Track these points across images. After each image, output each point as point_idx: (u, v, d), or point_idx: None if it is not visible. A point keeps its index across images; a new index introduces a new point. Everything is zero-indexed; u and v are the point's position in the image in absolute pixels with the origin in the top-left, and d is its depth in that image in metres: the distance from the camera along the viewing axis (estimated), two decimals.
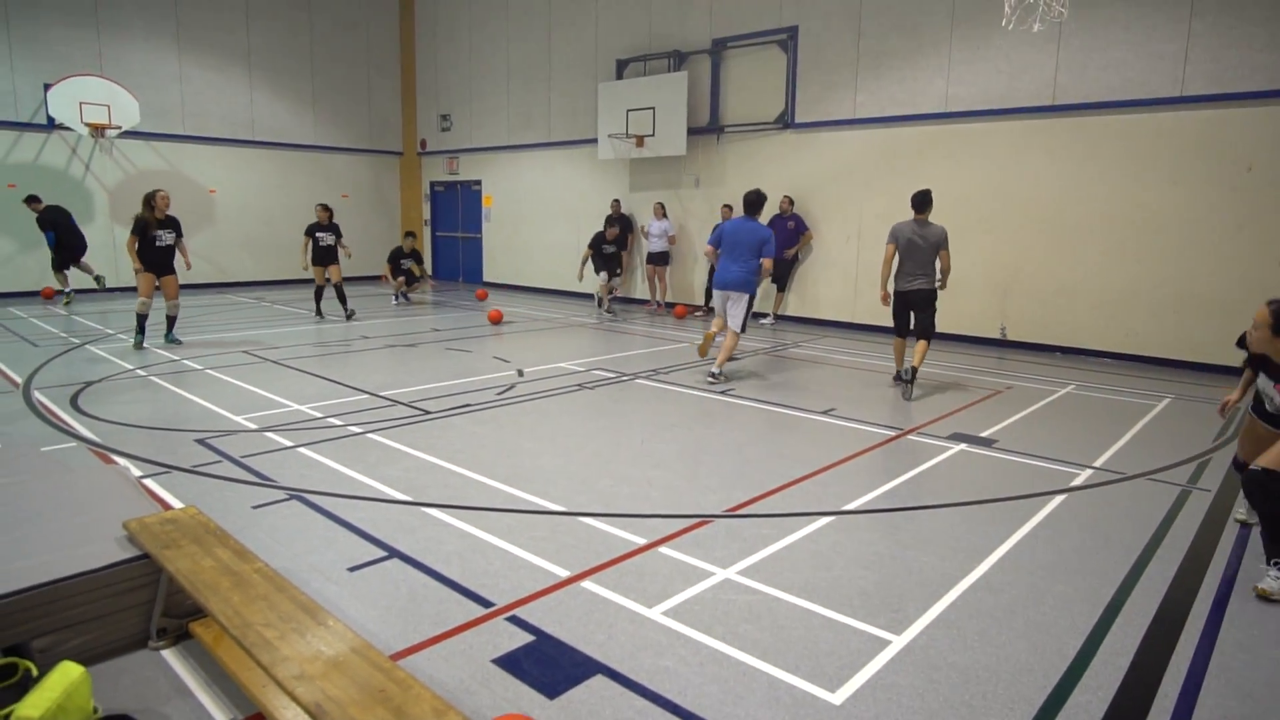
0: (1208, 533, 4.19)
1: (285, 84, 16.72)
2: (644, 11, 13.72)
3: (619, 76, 14.01)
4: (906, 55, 10.70)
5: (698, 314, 13.23)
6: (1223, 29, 8.41)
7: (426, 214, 19.21)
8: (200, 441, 5.47)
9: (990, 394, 7.52)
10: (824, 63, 11.53)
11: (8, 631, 2.63)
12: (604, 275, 13.10)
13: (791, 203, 11.93)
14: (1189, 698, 2.70)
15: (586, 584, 3.44)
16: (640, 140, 13.31)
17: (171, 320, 9.42)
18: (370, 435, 5.70)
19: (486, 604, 3.25)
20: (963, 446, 5.72)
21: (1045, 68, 9.57)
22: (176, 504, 4.25)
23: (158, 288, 9.09)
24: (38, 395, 6.73)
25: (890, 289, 7.64)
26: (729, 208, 12.56)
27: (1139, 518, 4.38)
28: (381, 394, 6.99)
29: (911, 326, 7.62)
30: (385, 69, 18.42)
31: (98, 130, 13.62)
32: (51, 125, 13.65)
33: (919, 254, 7.31)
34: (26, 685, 2.34)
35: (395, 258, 13.92)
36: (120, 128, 13.86)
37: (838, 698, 2.65)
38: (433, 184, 18.90)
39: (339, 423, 6.04)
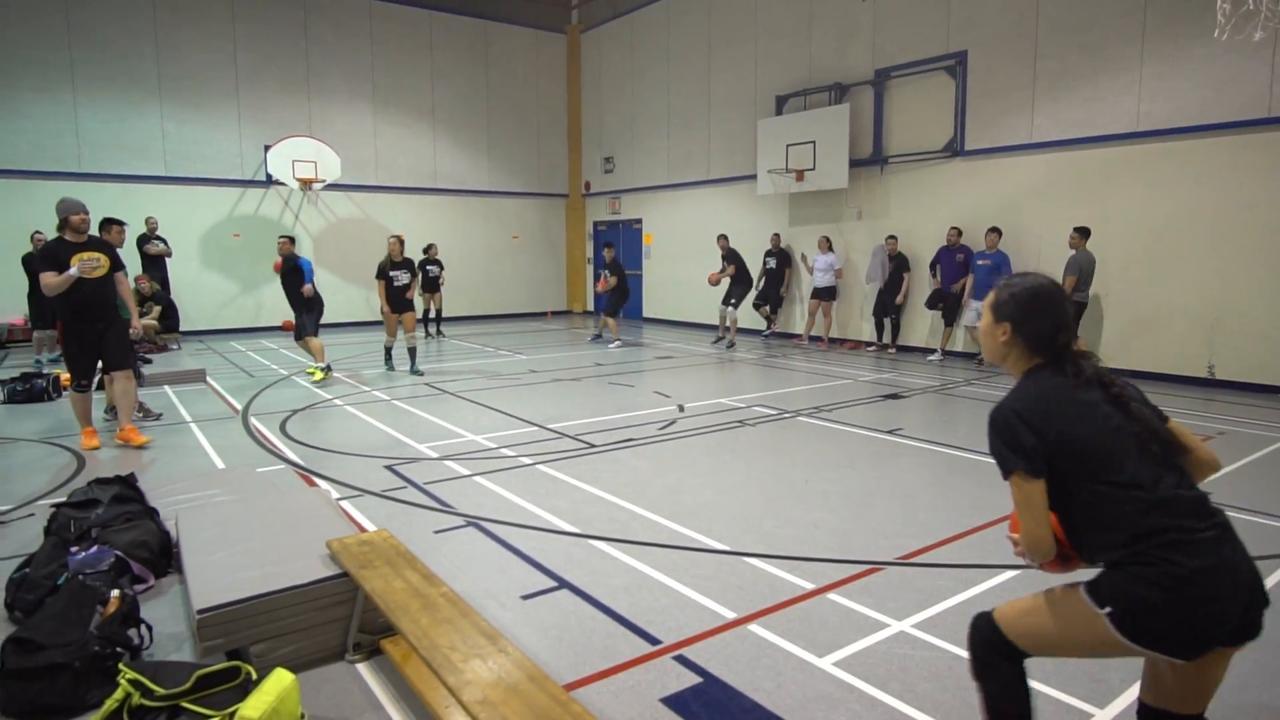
0: None
1: (464, 136, 18.05)
2: (804, 47, 13.70)
3: (778, 112, 14.02)
4: (1088, 74, 10.00)
5: (868, 348, 12.84)
6: None
7: (589, 253, 19.95)
8: (389, 468, 5.91)
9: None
10: (995, 87, 11.00)
11: (235, 636, 2.93)
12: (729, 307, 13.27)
13: (960, 234, 11.36)
14: None
15: (753, 627, 3.38)
16: (800, 174, 13.21)
17: (413, 352, 10.42)
18: (540, 466, 5.93)
19: (654, 641, 3.26)
20: None
21: (1258, 76, 8.62)
22: (370, 526, 4.60)
23: (400, 324, 10.23)
24: (254, 421, 7.54)
25: None
26: (894, 239, 12.19)
27: None
28: (549, 426, 7.27)
29: None
30: (553, 117, 19.46)
31: (306, 184, 15.26)
32: (269, 181, 15.45)
33: None
34: (247, 688, 2.59)
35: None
36: (325, 181, 15.47)
37: None
38: (596, 224, 19.63)
39: (511, 453, 6.33)
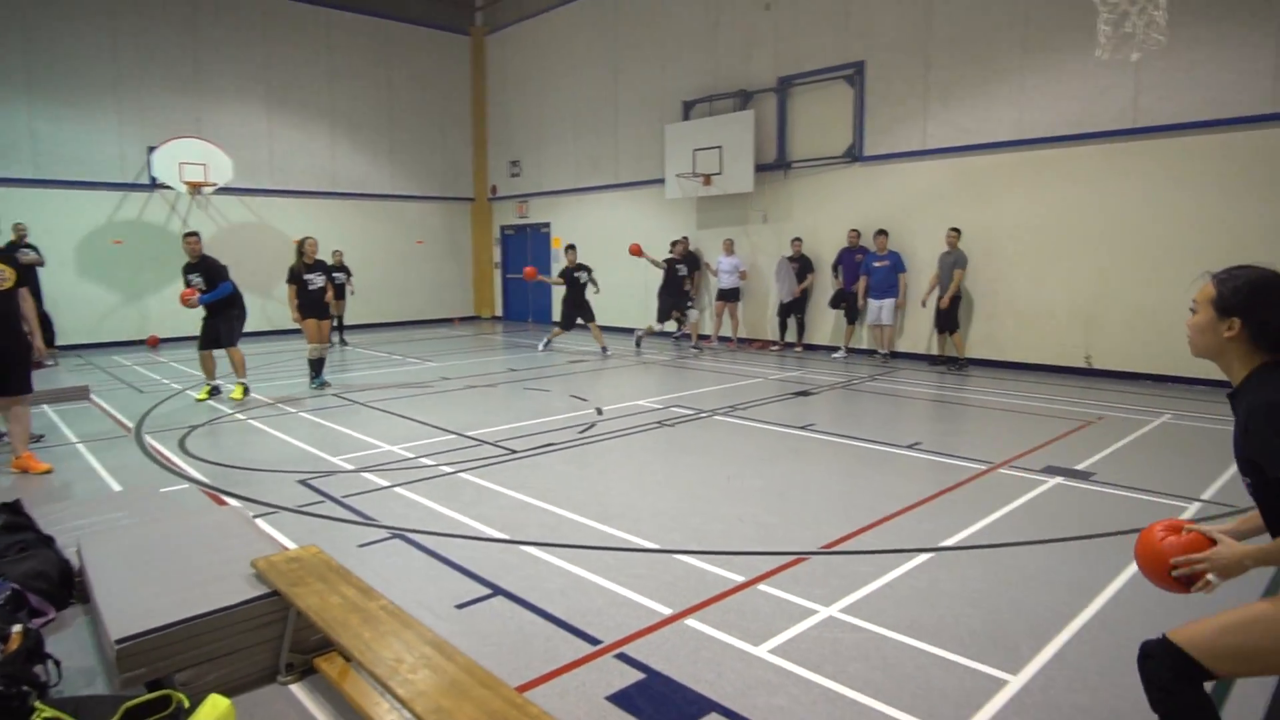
0: None
1: (365, 138, 17.54)
2: (709, 54, 13.99)
3: (685, 117, 14.27)
4: (977, 84, 10.64)
5: (773, 347, 13.21)
6: None
7: (497, 257, 19.74)
8: (303, 482, 5.71)
9: (1081, 425, 7.29)
10: (892, 95, 11.54)
11: (156, 665, 2.80)
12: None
13: (859, 236, 11.86)
14: None
15: (690, 621, 3.46)
16: (707, 179, 13.49)
17: (320, 362, 9.73)
18: (462, 474, 5.86)
19: (594, 641, 3.30)
20: (1058, 480, 5.56)
21: (1125, 90, 9.38)
22: (289, 543, 4.44)
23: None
24: (149, 439, 7.13)
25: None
26: (799, 240, 12.60)
27: None
28: (468, 434, 7.18)
29: None
30: (457, 119, 19.17)
31: (195, 188, 14.50)
32: (154, 185, 14.59)
33: None
34: (180, 717, 2.48)
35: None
36: (215, 185, 14.73)
37: None
38: (503, 228, 19.45)
39: (430, 463, 6.22)
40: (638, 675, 3.02)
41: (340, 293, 14.24)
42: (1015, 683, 2.94)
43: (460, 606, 3.66)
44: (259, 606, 3.04)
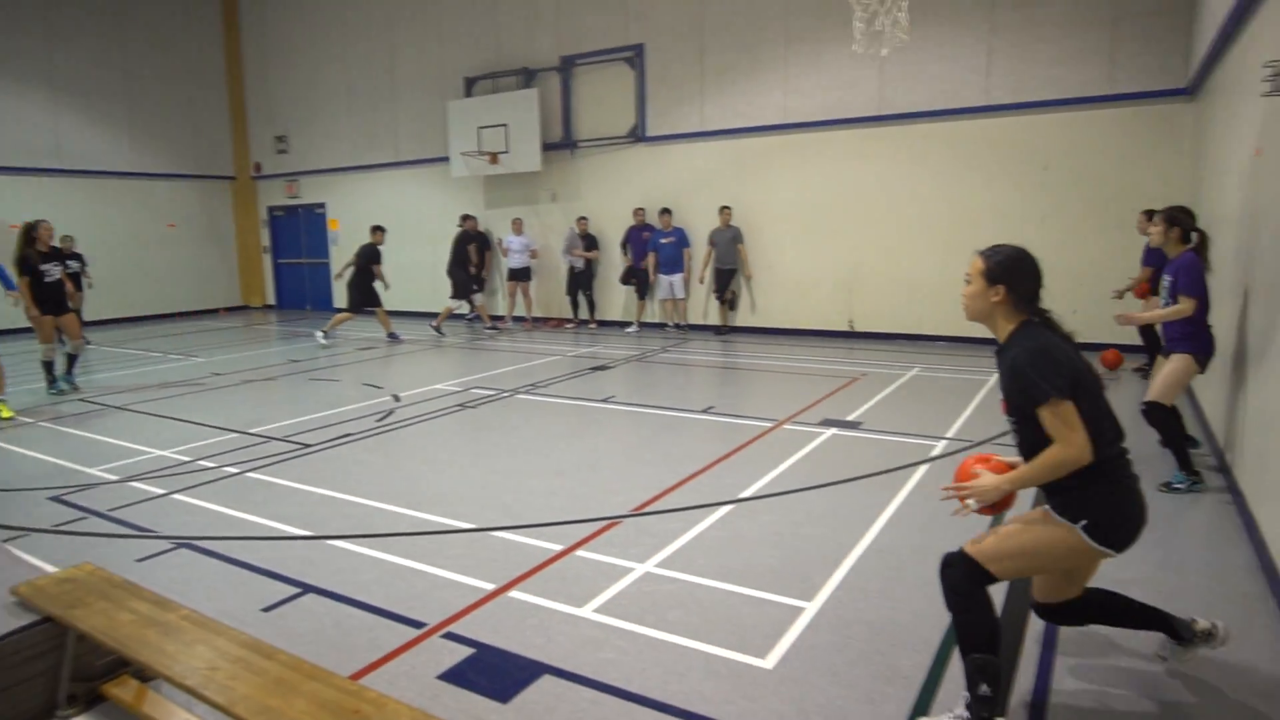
0: None
1: (96, 107, 15.38)
2: (490, 30, 13.75)
3: (468, 94, 13.96)
4: (747, 71, 11.37)
5: (568, 325, 13.38)
6: (1017, 46, 9.57)
7: (266, 241, 18.21)
8: (56, 499, 5.03)
9: (848, 381, 8.15)
10: (670, 78, 12.03)
11: None
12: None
13: (645, 214, 12.31)
14: None
15: (514, 594, 3.52)
16: (494, 157, 13.32)
17: (73, 359, 8.72)
18: (250, 474, 5.45)
19: (418, 625, 3.26)
20: (834, 431, 6.21)
21: (872, 81, 10.48)
22: (47, 567, 3.92)
23: (60, 329, 8.50)
24: None
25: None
26: (585, 219, 12.83)
27: None
28: (251, 431, 6.66)
29: None
30: (210, 88, 17.32)
31: None
32: None
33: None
34: None
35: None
36: None
37: (769, 662, 2.89)
38: (271, 209, 17.95)
39: (211, 464, 5.72)
40: (467, 651, 3.04)
41: (76, 284, 12.55)
42: (811, 608, 3.30)
43: (267, 609, 3.45)
44: (28, 637, 2.68)
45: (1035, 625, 3.12)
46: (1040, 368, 2.35)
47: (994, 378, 8.03)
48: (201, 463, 5.78)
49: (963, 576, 2.47)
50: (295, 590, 3.63)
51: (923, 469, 5.18)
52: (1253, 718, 2.58)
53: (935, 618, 3.19)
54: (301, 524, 4.48)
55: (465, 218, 13.48)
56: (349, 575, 3.77)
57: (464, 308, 13.71)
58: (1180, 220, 4.93)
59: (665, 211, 11.94)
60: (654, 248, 12.09)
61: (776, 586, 3.50)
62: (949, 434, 6.02)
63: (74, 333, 8.57)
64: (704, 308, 12.29)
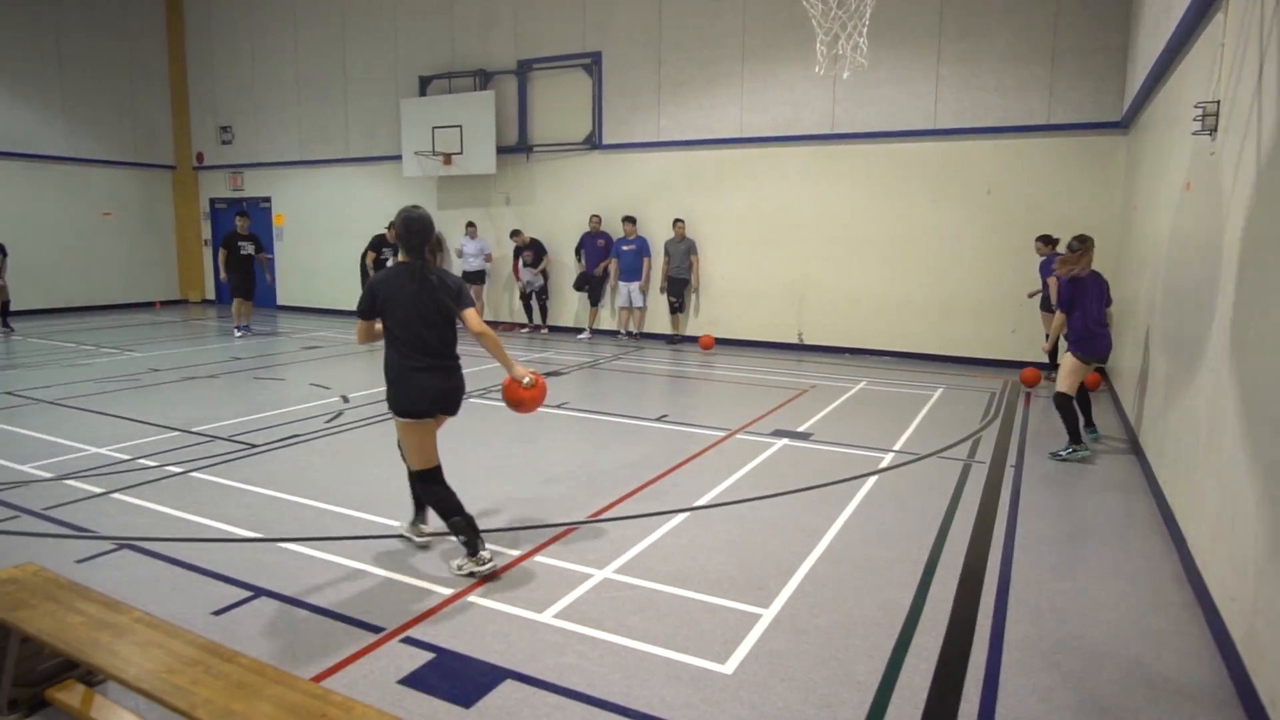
0: (989, 496, 5.01)
1: (27, 88, 14.73)
2: (446, 29, 13.64)
3: (423, 93, 13.81)
4: (704, 84, 11.52)
5: (523, 330, 13.32)
6: (963, 75, 9.92)
7: (206, 233, 17.67)
8: None
9: (798, 393, 8.31)
10: (628, 87, 12.12)
11: None
12: None
13: (600, 220, 12.36)
14: (999, 625, 3.29)
15: (472, 598, 3.51)
16: (448, 158, 13.20)
17: None
18: (194, 474, 5.30)
19: (376, 629, 3.22)
20: (785, 441, 6.33)
21: (824, 100, 10.73)
22: None
23: None
24: None
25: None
26: (519, 233, 12.77)
27: (936, 490, 5.13)
28: (194, 430, 6.47)
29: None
30: (151, 74, 16.74)
31: None
32: None
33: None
34: None
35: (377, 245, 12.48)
36: None
37: (729, 667, 2.95)
38: (213, 200, 17.43)
39: (152, 463, 5.55)
40: (427, 655, 3.02)
41: None
42: (768, 615, 3.38)
43: (218, 613, 3.37)
44: None
45: (981, 635, 3.25)
46: (364, 295, 3.82)
47: (938, 392, 8.31)
48: (142, 461, 5.60)
49: (418, 481, 3.99)
50: (246, 594, 3.55)
51: (871, 480, 5.32)
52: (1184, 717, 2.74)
53: (888, 625, 3.30)
54: (250, 525, 4.38)
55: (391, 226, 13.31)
56: (300, 578, 3.71)
57: None
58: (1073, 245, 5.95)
59: (629, 220, 11.99)
60: (615, 255, 12.14)
61: (734, 593, 3.57)
62: (896, 446, 6.20)
63: None
64: (662, 317, 12.38)
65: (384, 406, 7.67)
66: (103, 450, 5.86)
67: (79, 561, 3.89)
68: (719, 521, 4.52)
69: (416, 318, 3.70)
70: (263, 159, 16.33)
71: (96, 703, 2.62)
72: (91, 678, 2.75)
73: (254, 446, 6.00)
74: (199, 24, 16.79)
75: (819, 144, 10.88)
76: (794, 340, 11.42)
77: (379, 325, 3.79)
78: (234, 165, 16.82)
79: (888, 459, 5.85)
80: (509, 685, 2.83)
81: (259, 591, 3.57)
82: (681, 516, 4.58)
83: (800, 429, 6.73)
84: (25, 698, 2.68)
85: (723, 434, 6.51)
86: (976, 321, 10.17)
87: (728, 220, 11.64)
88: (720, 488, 5.12)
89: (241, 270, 12.12)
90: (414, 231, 3.76)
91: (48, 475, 5.26)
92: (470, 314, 3.84)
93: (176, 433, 6.38)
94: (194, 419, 6.85)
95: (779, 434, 6.54)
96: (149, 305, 16.83)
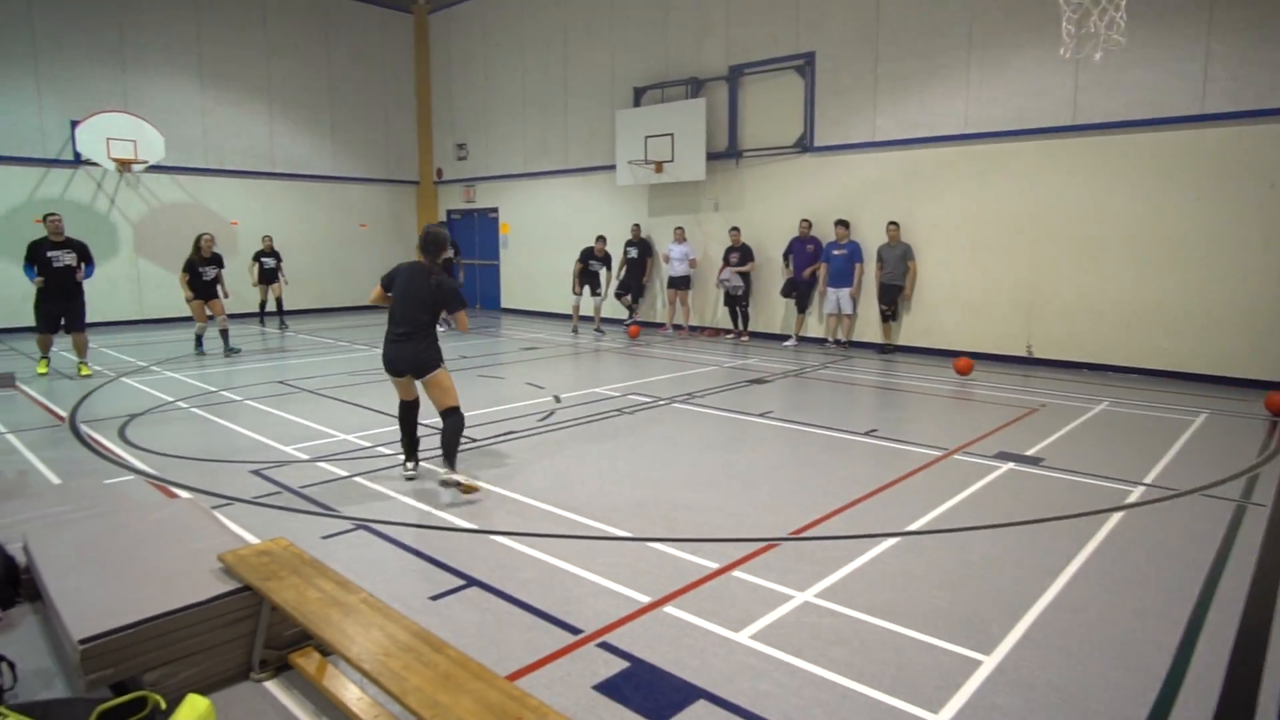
0: (1273, 547, 4.21)
1: (304, 117, 16.98)
2: (660, 41, 13.94)
3: (636, 104, 14.21)
4: (924, 78, 10.85)
5: (727, 335, 13.31)
6: (1242, 48, 8.53)
7: None
8: (256, 473, 5.53)
9: (1026, 412, 7.55)
10: (842, 87, 11.69)
11: (125, 665, 2.68)
12: (586, 291, 13.70)
13: (810, 225, 12.02)
14: None
15: (668, 609, 3.47)
16: (659, 166, 13.47)
17: (225, 334, 11.30)
18: (423, 464, 5.75)
19: (575, 630, 3.28)
20: (1010, 465, 5.75)
21: (1064, 88, 9.69)
22: (248, 536, 4.30)
23: (210, 315, 11.06)
24: (85, 429, 6.80)
25: None
26: (737, 230, 12.72)
27: (1200, 534, 4.40)
28: (425, 423, 7.02)
29: None
30: (401, 100, 18.69)
31: (124, 166, 13.82)
32: (78, 161, 13.86)
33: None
34: (156, 718, 2.38)
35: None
36: (146, 162, 14.07)
37: (942, 717, 2.67)
38: (449, 212, 19.10)
39: (388, 452, 6.09)
40: (622, 664, 3.02)
41: (273, 277, 14.20)
42: (989, 662, 3.03)
43: (435, 598, 3.60)
44: (230, 602, 2.93)
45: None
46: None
47: (1200, 418, 7.20)
48: (380, 449, 6.18)
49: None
50: (460, 582, 3.76)
51: (1116, 517, 4.68)
52: None
53: (1137, 692, 2.85)
54: (468, 516, 4.66)
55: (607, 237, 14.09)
56: (510, 572, 3.87)
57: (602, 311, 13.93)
58: None
59: (841, 223, 11.57)
60: (825, 259, 11.79)
61: (949, 633, 3.25)
62: (1147, 479, 5.42)
63: (218, 310, 11.07)
64: (872, 325, 11.83)
65: (593, 408, 8.00)
66: (349, 437, 6.54)
67: (324, 538, 4.33)
68: (933, 550, 4.16)
69: (408, 299, 5.05)
70: (492, 172, 17.63)
71: (329, 673, 2.87)
72: (326, 649, 3.01)
73: (474, 440, 6.42)
74: (442, 52, 18.46)
75: (1056, 137, 9.85)
76: (1021, 353, 10.43)
77: (389, 295, 5.18)
78: (468, 179, 18.31)
79: (1136, 493, 5.12)
80: (701, 706, 2.75)
81: (472, 581, 3.77)
82: (891, 541, 4.28)
83: (1028, 452, 6.09)
84: (273, 659, 3.00)
85: (938, 453, 6.04)
86: (1251, 337, 8.70)
87: (947, 223, 10.87)
88: (934, 513, 4.73)
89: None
90: (430, 243, 5.14)
91: (304, 457, 5.94)
92: (461, 316, 5.29)
93: None
94: (425, 412, 7.43)
95: (1003, 457, 5.95)
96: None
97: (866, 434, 6.65)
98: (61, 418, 7.26)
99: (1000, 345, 10.60)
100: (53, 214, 9.34)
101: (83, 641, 2.61)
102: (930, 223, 11.01)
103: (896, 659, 3.06)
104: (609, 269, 13.95)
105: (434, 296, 5.05)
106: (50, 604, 3.00)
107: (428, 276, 5.04)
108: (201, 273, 10.82)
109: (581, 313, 13.98)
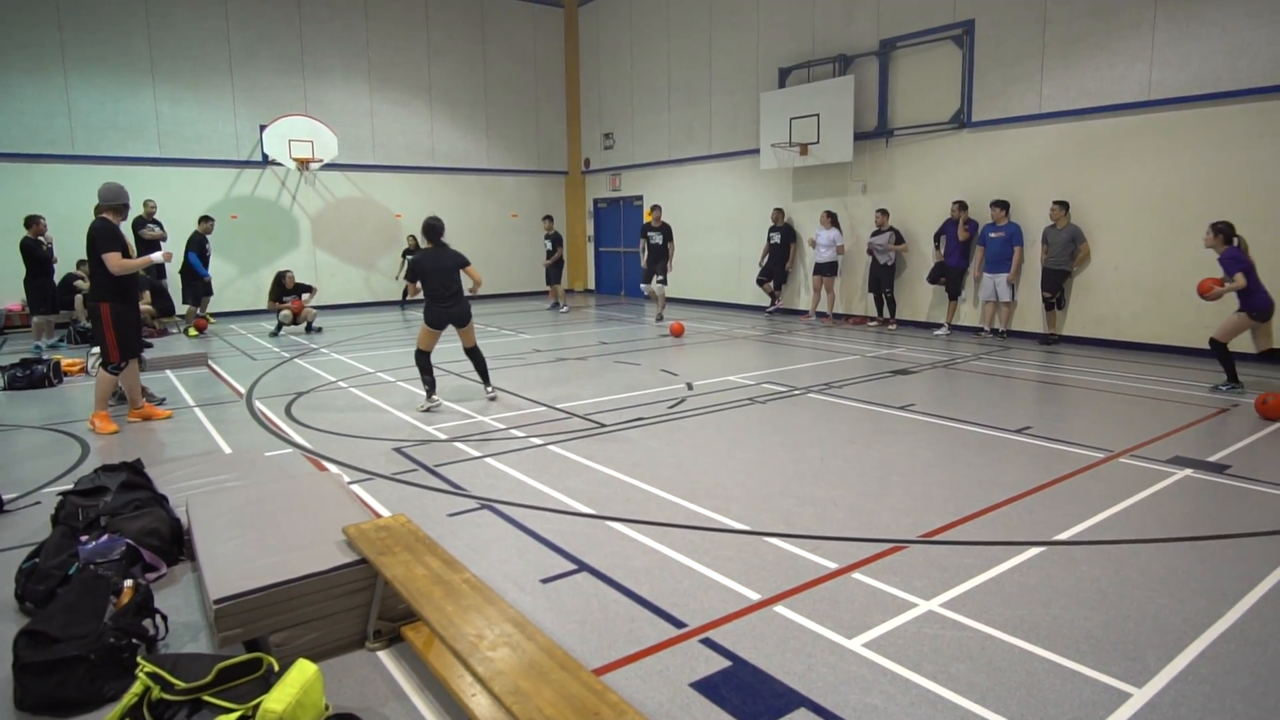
0: None
1: (461, 113, 17.81)
2: (807, 17, 13.47)
3: (781, 85, 13.83)
4: (1100, 40, 9.82)
5: (873, 323, 12.76)
6: None
7: (590, 230, 19.78)
8: (397, 450, 5.84)
9: (1212, 412, 6.70)
10: (1004, 55, 10.82)
11: (254, 625, 2.87)
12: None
13: (965, 207, 11.23)
14: None
15: (779, 608, 3.32)
16: (804, 149, 13.05)
17: (309, 324, 13.07)
18: (551, 447, 5.86)
19: (679, 624, 3.20)
20: (1188, 472, 5.10)
21: (1272, 43, 8.46)
22: (382, 509, 4.54)
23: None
24: (258, 404, 7.46)
25: None
26: (884, 213, 12.10)
27: None
28: (558, 406, 7.19)
29: None
30: (551, 93, 19.21)
31: (303, 164, 15.06)
32: (265, 162, 15.25)
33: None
34: (269, 680, 2.53)
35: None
36: (322, 161, 15.27)
37: None
38: (596, 201, 19.46)
39: (520, 434, 6.26)
40: (724, 663, 2.91)
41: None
42: (1140, 696, 2.67)
43: (545, 581, 3.63)
44: (349, 573, 3.08)
45: None
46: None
47: None
48: (513, 431, 6.36)
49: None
50: (572, 567, 3.78)
51: None
52: None
53: None
54: (587, 501, 4.69)
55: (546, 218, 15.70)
56: (621, 560, 3.85)
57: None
58: None
59: (998, 204, 10.74)
60: (982, 243, 11.01)
61: (1093, 659, 2.90)
62: None
63: (299, 308, 12.88)
64: (1034, 313, 10.93)
65: (726, 396, 7.86)
66: (485, 419, 6.78)
67: (450, 515, 4.49)
68: (1085, 564, 3.75)
69: (442, 273, 6.96)
70: (638, 160, 17.76)
71: (436, 648, 2.95)
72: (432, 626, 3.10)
73: (603, 426, 6.47)
74: (590, 43, 18.78)
75: (1260, 99, 8.62)
76: (1206, 346, 9.24)
77: (418, 285, 6.99)
78: (614, 168, 18.56)
79: None
80: (802, 714, 2.60)
81: (583, 566, 3.78)
82: (1035, 551, 3.89)
83: (1212, 458, 5.37)
84: (386, 630, 3.12)
85: (1102, 455, 5.46)
86: None
87: (1125, 202, 9.81)
88: (1090, 521, 4.26)
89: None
90: (432, 230, 7.02)
91: (443, 437, 6.21)
92: (471, 269, 7.09)
93: (543, 408, 7.15)
94: (559, 396, 7.62)
95: (1180, 462, 5.29)
96: (543, 294, 19.34)
97: (1018, 431, 6.12)
98: (240, 393, 8.01)
99: (1184, 337, 9.48)
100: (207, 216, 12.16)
101: (217, 601, 2.83)
102: (1105, 201, 9.99)
103: (1028, 683, 2.76)
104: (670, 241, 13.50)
105: (456, 262, 7.00)
106: (198, 564, 3.28)
107: (443, 252, 6.99)
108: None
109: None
